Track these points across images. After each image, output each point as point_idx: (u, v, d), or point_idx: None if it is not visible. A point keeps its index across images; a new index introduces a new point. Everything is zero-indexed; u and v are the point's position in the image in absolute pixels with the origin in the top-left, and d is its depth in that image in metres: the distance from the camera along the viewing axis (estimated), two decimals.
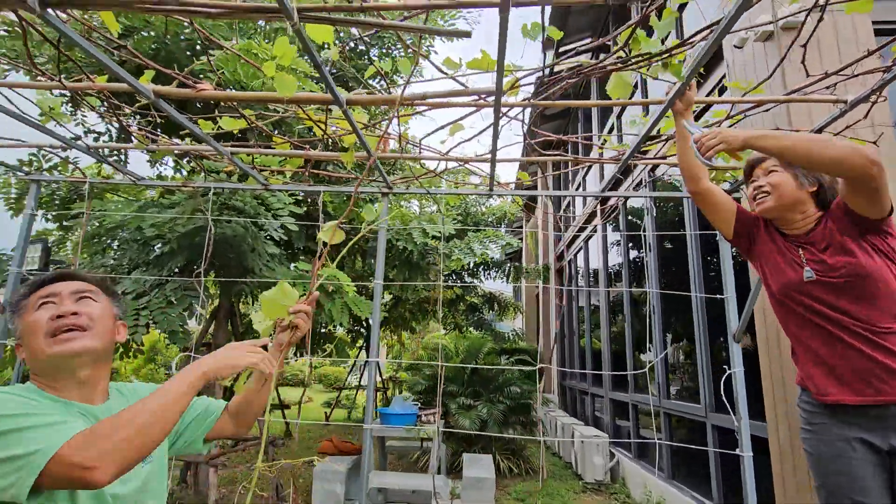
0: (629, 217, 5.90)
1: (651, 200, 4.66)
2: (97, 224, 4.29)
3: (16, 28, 4.03)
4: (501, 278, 8.69)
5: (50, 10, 1.33)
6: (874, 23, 2.78)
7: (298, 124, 3.69)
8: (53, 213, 4.50)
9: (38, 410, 0.85)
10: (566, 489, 5.39)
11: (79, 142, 2.53)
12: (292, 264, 5.04)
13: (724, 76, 3.23)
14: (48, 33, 1.86)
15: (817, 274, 1.44)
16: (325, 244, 1.28)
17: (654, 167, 4.88)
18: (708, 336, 3.72)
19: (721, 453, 3.42)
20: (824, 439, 1.44)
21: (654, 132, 2.05)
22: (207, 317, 5.24)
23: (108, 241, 4.65)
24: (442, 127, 1.88)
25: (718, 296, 2.47)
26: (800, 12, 1.42)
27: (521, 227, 11.94)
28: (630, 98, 5.53)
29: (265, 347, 1.11)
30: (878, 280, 1.37)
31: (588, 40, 6.82)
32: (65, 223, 5.10)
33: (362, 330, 10.58)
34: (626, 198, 5.20)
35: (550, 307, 9.54)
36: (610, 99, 1.71)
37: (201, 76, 3.37)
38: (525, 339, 10.24)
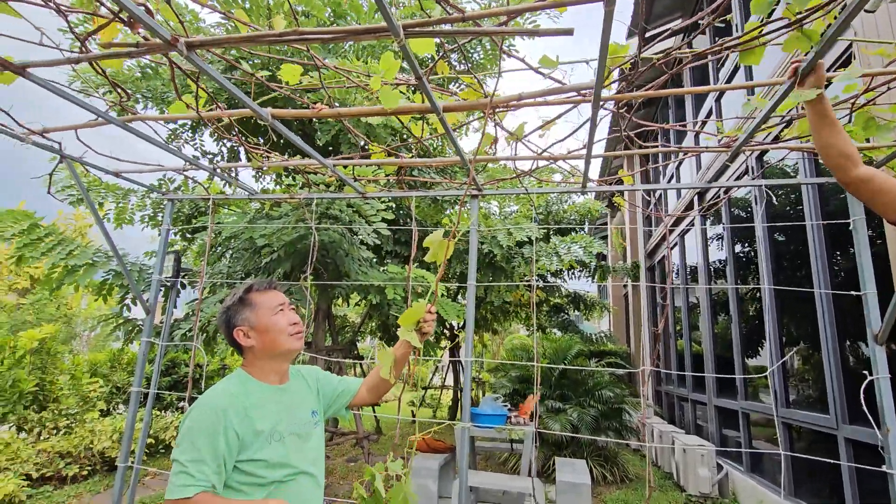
0: (732, 209, 5.43)
1: (760, 190, 4.25)
2: (214, 235, 4.80)
3: (148, 69, 4.63)
4: (587, 278, 8.39)
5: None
6: None
7: (388, 135, 3.86)
8: (180, 228, 5.10)
9: (213, 438, 1.20)
10: (667, 501, 5.08)
11: (202, 161, 2.86)
12: (382, 267, 5.27)
13: (849, 46, 2.87)
14: (177, 67, 2.12)
15: None
16: (421, 250, 1.43)
17: (762, 154, 4.46)
18: (837, 338, 3.31)
19: (858, 470, 3.03)
20: None
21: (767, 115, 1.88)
22: (310, 319, 5.64)
23: (223, 251, 5.18)
24: (539, 128, 1.87)
25: (854, 292, 2.20)
26: None
27: (606, 223, 11.44)
28: (729, 82, 5.10)
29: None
30: None
31: (678, 21, 6.40)
32: (187, 235, 5.78)
33: (445, 331, 10.78)
34: (731, 188, 4.79)
35: (641, 307, 9.04)
36: (706, 84, 1.59)
37: (303, 95, 3.65)
38: (614, 340, 9.79)
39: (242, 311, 1.36)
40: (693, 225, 6.57)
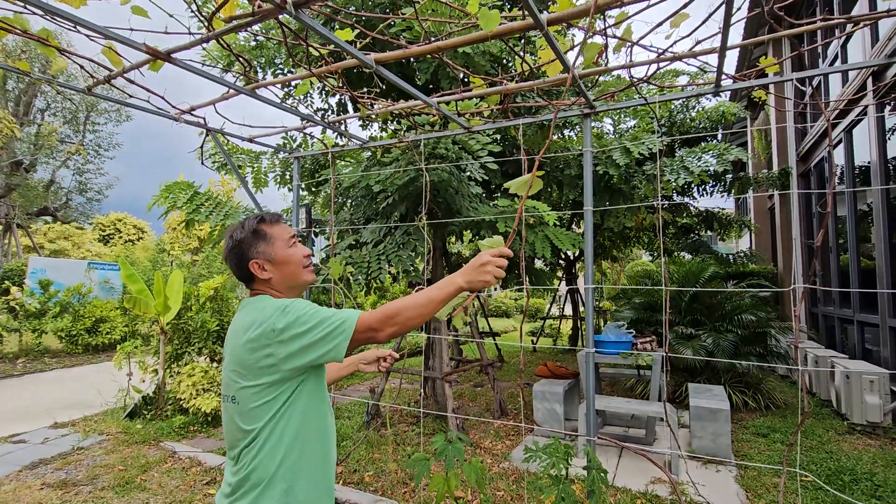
0: None
1: None
2: (335, 186, 5.17)
3: (259, 37, 4.92)
4: (721, 193, 7.45)
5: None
6: None
7: (487, 62, 3.68)
8: (305, 182, 5.58)
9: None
10: (824, 429, 4.63)
11: (317, 116, 3.03)
12: (492, 202, 5.25)
13: None
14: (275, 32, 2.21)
15: None
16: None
17: None
18: None
19: None
20: None
21: None
22: (428, 256, 5.93)
23: (344, 201, 5.58)
24: (661, 23, 1.62)
25: None
26: None
27: (745, 128, 9.88)
28: None
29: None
30: None
31: None
32: (312, 189, 6.31)
33: (561, 262, 10.60)
34: None
35: (792, 219, 7.86)
36: None
37: (398, 37, 3.61)
38: (756, 260, 8.74)
39: (257, 243, 1.29)
40: (865, 115, 5.37)
